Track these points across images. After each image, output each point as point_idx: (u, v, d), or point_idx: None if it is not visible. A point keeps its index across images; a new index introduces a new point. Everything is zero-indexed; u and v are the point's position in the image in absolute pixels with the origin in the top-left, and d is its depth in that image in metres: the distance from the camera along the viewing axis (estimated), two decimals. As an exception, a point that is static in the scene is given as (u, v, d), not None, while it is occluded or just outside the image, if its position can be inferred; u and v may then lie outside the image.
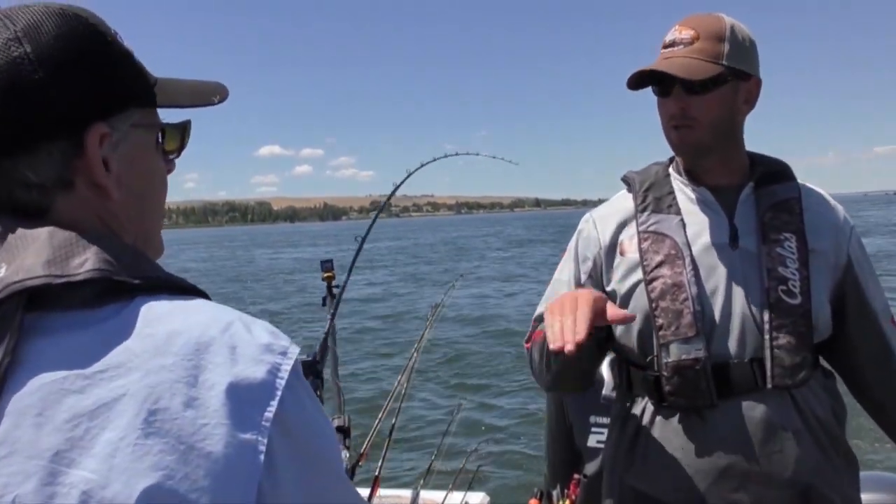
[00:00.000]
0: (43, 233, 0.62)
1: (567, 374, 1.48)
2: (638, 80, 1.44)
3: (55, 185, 0.66)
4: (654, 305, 1.41)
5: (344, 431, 2.22)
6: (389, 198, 2.99)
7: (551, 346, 1.22)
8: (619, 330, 1.48)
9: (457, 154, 3.05)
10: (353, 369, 9.51)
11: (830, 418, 1.42)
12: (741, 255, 1.42)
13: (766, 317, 1.38)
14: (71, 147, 0.66)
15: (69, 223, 0.65)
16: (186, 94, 0.78)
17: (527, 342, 1.58)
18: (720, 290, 1.41)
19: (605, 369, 2.39)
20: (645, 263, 1.44)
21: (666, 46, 1.43)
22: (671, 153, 1.52)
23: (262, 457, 0.58)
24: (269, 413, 0.60)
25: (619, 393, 1.57)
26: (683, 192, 1.50)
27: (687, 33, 1.40)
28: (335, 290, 2.72)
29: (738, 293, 1.40)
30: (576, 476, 2.50)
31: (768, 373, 1.37)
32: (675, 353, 1.39)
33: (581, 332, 1.20)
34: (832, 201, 1.52)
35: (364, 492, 2.56)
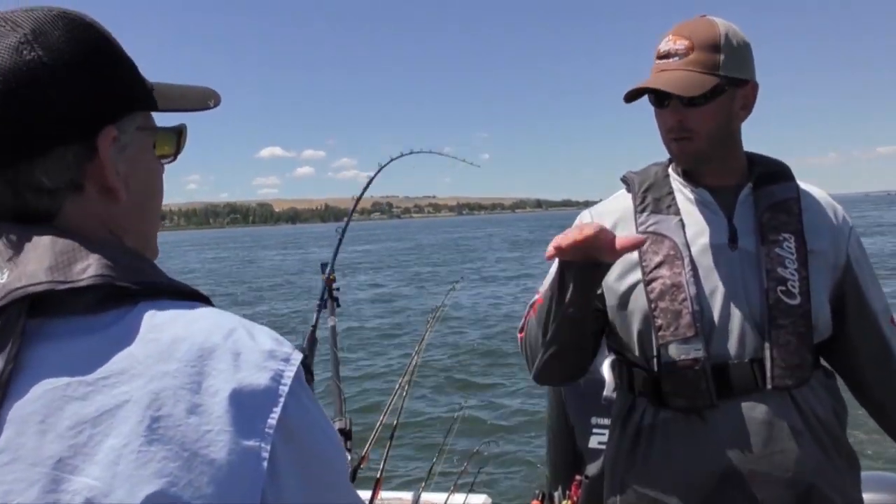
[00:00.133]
0: (45, 238, 0.62)
1: (562, 339, 1.41)
2: (634, 93, 1.43)
3: (67, 188, 0.66)
4: (653, 306, 1.41)
5: (345, 434, 2.23)
6: (358, 200, 3.01)
7: (548, 253, 1.24)
8: (618, 329, 1.48)
9: (420, 151, 3.07)
10: (355, 371, 9.51)
11: (831, 418, 1.43)
12: (740, 255, 1.42)
13: (766, 317, 1.38)
14: (83, 150, 0.66)
15: (74, 227, 0.66)
16: (184, 99, 0.78)
17: (520, 331, 1.58)
18: (719, 291, 1.41)
19: (605, 370, 2.39)
20: (644, 264, 1.44)
21: (660, 57, 1.42)
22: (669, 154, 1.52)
23: (265, 463, 0.58)
24: (273, 420, 0.60)
25: (619, 394, 1.57)
26: (682, 193, 1.50)
27: (681, 43, 1.39)
28: (336, 293, 2.73)
29: (738, 294, 1.40)
30: (577, 477, 2.50)
31: (768, 373, 1.37)
32: (675, 353, 1.39)
33: (585, 233, 1.21)
34: (831, 201, 1.53)
35: (365, 494, 2.56)
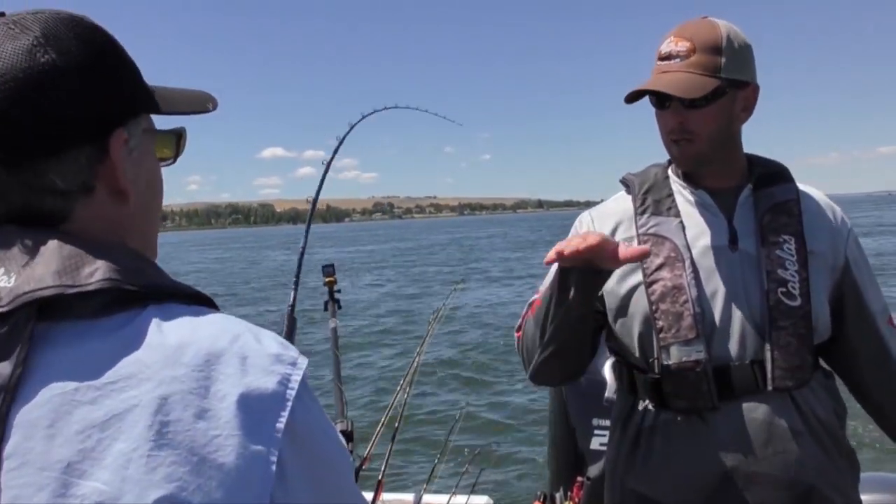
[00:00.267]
0: (52, 242, 0.62)
1: (560, 340, 1.40)
2: (635, 94, 1.43)
3: (79, 190, 0.67)
4: (654, 308, 1.41)
5: (347, 436, 2.22)
6: (328, 166, 2.88)
7: (548, 258, 1.24)
8: (619, 331, 1.48)
9: (395, 107, 2.96)
10: (357, 372, 9.51)
11: (832, 419, 1.43)
12: (741, 257, 1.43)
13: (767, 319, 1.39)
14: (95, 152, 0.67)
15: (82, 230, 0.66)
16: (185, 102, 0.79)
17: (518, 331, 1.58)
18: (720, 293, 1.41)
19: (607, 372, 2.39)
20: (645, 266, 1.44)
21: (662, 58, 1.42)
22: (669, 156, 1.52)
23: (273, 467, 0.59)
24: (281, 424, 0.60)
25: (619, 395, 1.57)
26: (682, 195, 1.50)
27: (683, 45, 1.39)
28: (337, 295, 2.73)
29: (739, 295, 1.40)
30: (579, 478, 2.50)
31: (769, 374, 1.37)
32: (676, 355, 1.39)
33: (588, 243, 1.20)
34: (830, 203, 1.53)
35: (367, 495, 2.55)
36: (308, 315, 15.16)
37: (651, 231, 1.46)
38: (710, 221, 1.46)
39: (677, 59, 1.39)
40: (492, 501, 3.41)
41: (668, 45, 1.42)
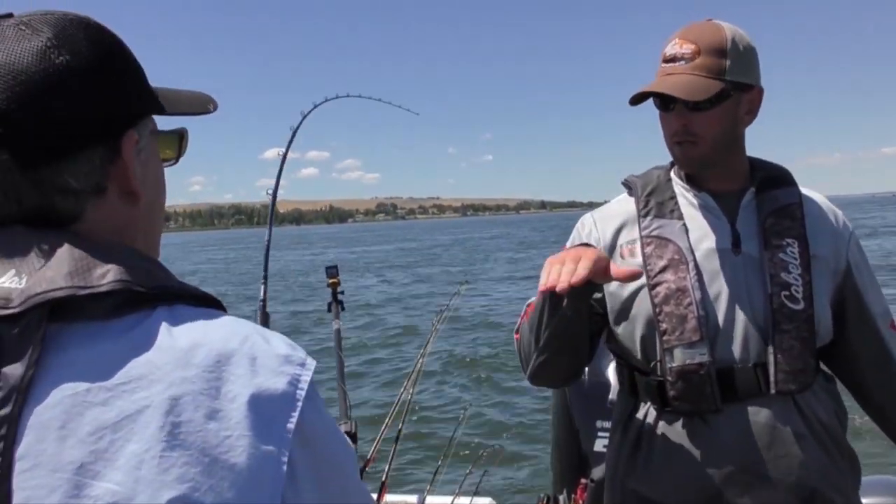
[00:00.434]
0: (63, 244, 0.63)
1: (555, 347, 1.40)
2: (639, 96, 1.43)
3: (92, 191, 0.67)
4: (657, 310, 1.41)
5: (350, 437, 2.23)
6: (284, 157, 2.85)
7: (542, 287, 1.23)
8: (621, 333, 1.48)
9: (346, 96, 2.93)
10: (360, 373, 9.51)
11: (834, 422, 1.43)
12: (743, 260, 1.43)
13: (770, 322, 1.39)
14: (107, 153, 0.67)
15: (93, 231, 0.66)
16: (187, 103, 0.80)
17: (516, 332, 1.57)
18: (723, 295, 1.41)
19: (611, 374, 2.38)
20: (648, 268, 1.44)
21: (666, 60, 1.42)
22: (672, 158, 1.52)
23: (284, 467, 0.59)
24: (291, 425, 0.61)
25: (620, 397, 1.57)
26: (685, 197, 1.50)
27: (688, 47, 1.39)
28: (340, 296, 2.73)
29: (742, 298, 1.40)
30: (582, 481, 2.49)
31: (772, 378, 1.37)
32: (680, 357, 1.39)
33: (579, 276, 1.20)
34: (832, 206, 1.53)
35: (370, 497, 2.55)
36: (311, 316, 15.23)
37: (654, 233, 1.46)
38: (713, 224, 1.46)
39: (682, 62, 1.39)
40: (495, 503, 3.40)
41: (672, 48, 1.42)
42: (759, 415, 1.37)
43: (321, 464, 0.64)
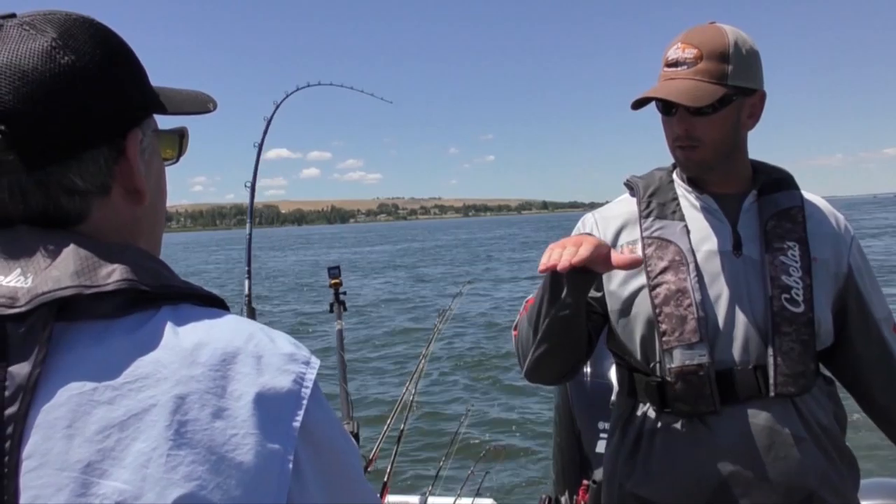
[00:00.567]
0: (68, 244, 0.63)
1: (552, 339, 1.40)
2: (642, 100, 1.43)
3: (97, 190, 0.67)
4: (657, 311, 1.41)
5: (352, 437, 2.23)
6: (260, 149, 2.83)
7: (542, 267, 1.24)
8: (621, 334, 1.48)
9: (318, 84, 2.92)
10: (362, 374, 9.52)
11: (833, 425, 1.43)
12: (744, 262, 1.43)
13: (770, 324, 1.39)
14: (112, 153, 0.68)
15: (96, 231, 0.67)
16: (188, 102, 0.80)
17: (514, 329, 1.57)
18: (724, 297, 1.41)
19: (613, 375, 2.38)
20: (649, 269, 1.44)
21: (669, 65, 1.42)
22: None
23: (290, 465, 0.60)
24: (297, 423, 0.61)
25: (619, 398, 1.57)
26: (687, 199, 1.50)
27: (690, 52, 1.39)
28: (342, 297, 2.73)
29: (742, 300, 1.41)
30: (584, 482, 2.49)
31: (771, 380, 1.37)
32: (679, 358, 1.39)
33: (580, 257, 1.21)
34: (833, 210, 1.53)
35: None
36: (312, 316, 15.23)
37: (655, 234, 1.46)
38: (714, 226, 1.46)
39: (684, 66, 1.39)
40: (496, 504, 3.40)
41: (675, 52, 1.41)
42: (758, 417, 1.37)
43: (326, 461, 0.64)
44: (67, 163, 0.65)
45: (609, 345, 1.57)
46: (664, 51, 1.45)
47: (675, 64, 1.41)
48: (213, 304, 0.68)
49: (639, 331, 1.44)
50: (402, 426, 2.90)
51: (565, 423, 2.61)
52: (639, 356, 1.46)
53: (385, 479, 2.72)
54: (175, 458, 0.56)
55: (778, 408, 1.38)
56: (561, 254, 1.24)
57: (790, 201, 1.47)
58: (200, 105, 0.81)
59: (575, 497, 2.51)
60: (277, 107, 2.82)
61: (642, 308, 1.44)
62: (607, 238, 1.52)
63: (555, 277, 1.33)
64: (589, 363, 2.57)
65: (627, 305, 1.46)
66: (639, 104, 1.44)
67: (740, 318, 1.40)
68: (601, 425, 2.48)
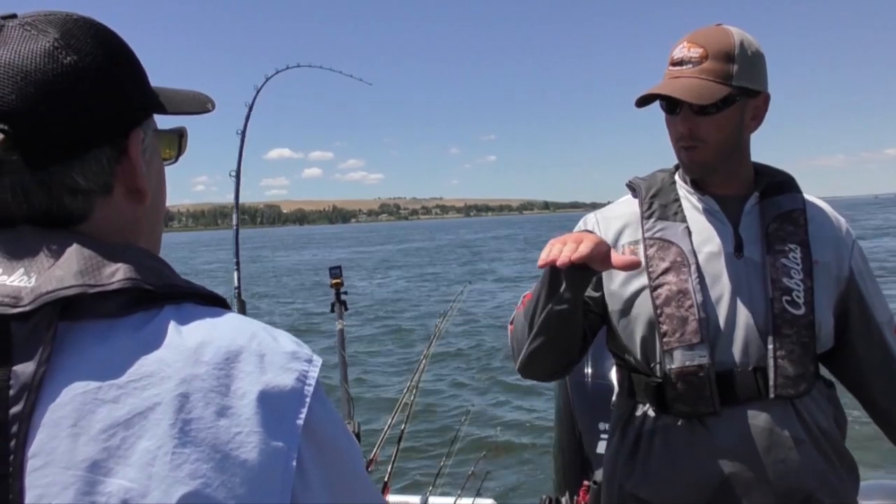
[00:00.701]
0: (71, 243, 0.63)
1: (548, 334, 1.39)
2: (646, 98, 1.43)
3: (100, 190, 0.68)
4: (658, 312, 1.41)
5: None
6: (243, 136, 2.83)
7: (542, 261, 1.24)
8: (622, 334, 1.48)
9: (297, 66, 2.91)
10: (363, 374, 9.52)
11: (833, 428, 1.43)
12: (746, 264, 1.43)
13: (770, 326, 1.39)
14: (114, 152, 0.68)
15: (98, 230, 0.67)
16: (187, 103, 0.81)
17: (511, 323, 1.57)
18: (725, 299, 1.41)
19: (614, 376, 2.38)
20: (650, 270, 1.44)
21: (674, 64, 1.42)
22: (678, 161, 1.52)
23: (294, 463, 0.60)
24: (300, 421, 0.62)
25: (619, 399, 1.57)
26: (689, 201, 1.50)
27: (695, 51, 1.39)
28: (343, 297, 2.73)
29: (743, 302, 1.41)
30: (585, 483, 2.49)
31: (771, 382, 1.38)
32: (679, 359, 1.39)
33: (580, 254, 1.21)
34: (835, 213, 1.53)
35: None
36: (313, 316, 15.24)
37: (657, 235, 1.46)
38: (716, 228, 1.46)
39: (689, 65, 1.39)
40: (497, 504, 3.40)
41: (680, 51, 1.42)
42: (757, 419, 1.37)
43: (329, 460, 0.64)
44: (70, 162, 0.65)
45: (609, 345, 1.57)
46: (670, 51, 1.45)
47: (680, 63, 1.41)
48: (214, 304, 0.69)
49: (639, 331, 1.44)
50: (403, 426, 2.90)
51: (566, 423, 2.61)
52: (639, 357, 1.46)
53: (385, 479, 2.72)
54: (180, 456, 0.56)
55: (777, 410, 1.38)
56: (561, 249, 1.24)
57: (792, 204, 1.47)
58: (199, 105, 0.82)
59: (575, 498, 2.51)
60: (258, 91, 2.82)
61: (643, 309, 1.44)
62: (608, 238, 1.52)
63: (554, 272, 1.33)
64: (590, 364, 2.58)
65: (628, 306, 1.46)
66: (643, 101, 1.44)
67: (741, 320, 1.40)
68: (602, 426, 2.48)
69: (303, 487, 0.61)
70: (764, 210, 1.47)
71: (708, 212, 1.48)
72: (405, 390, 3.02)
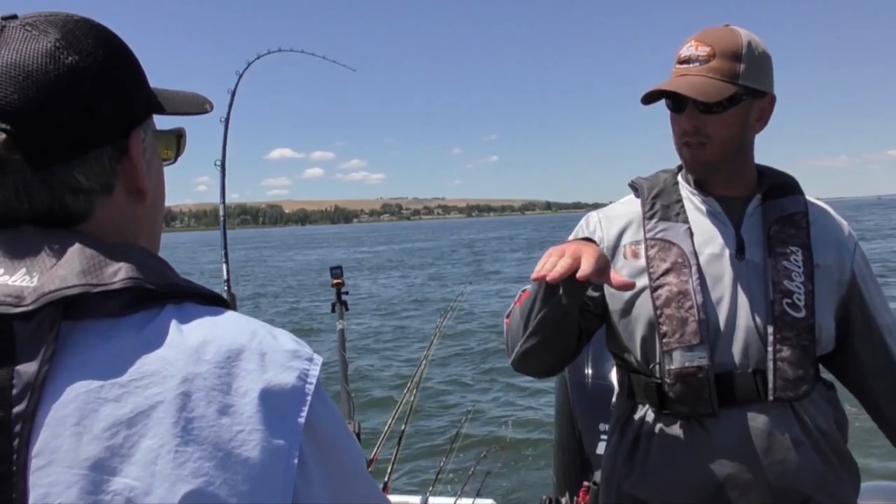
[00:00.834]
0: (73, 243, 0.63)
1: (542, 334, 1.39)
2: (652, 95, 1.43)
3: (101, 189, 0.68)
4: (658, 312, 1.41)
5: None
6: (227, 123, 2.79)
7: (535, 275, 1.23)
8: (622, 334, 1.48)
9: (278, 50, 2.90)
10: (364, 374, 9.52)
11: (833, 429, 1.43)
12: (747, 266, 1.43)
13: (771, 329, 1.39)
14: (115, 152, 0.69)
15: (99, 230, 0.67)
16: (186, 103, 0.81)
17: (507, 317, 1.57)
18: (725, 300, 1.41)
19: (614, 377, 2.38)
20: (651, 270, 1.44)
21: (681, 62, 1.42)
22: (680, 160, 1.52)
23: (295, 461, 0.60)
24: (301, 419, 0.62)
25: (619, 400, 1.57)
26: (691, 201, 1.50)
27: (703, 49, 1.39)
28: (344, 297, 2.73)
29: (743, 304, 1.41)
30: (585, 483, 2.49)
31: (770, 385, 1.37)
32: (679, 360, 1.39)
33: (584, 272, 1.19)
34: (837, 216, 1.53)
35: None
36: (314, 317, 15.24)
37: (659, 236, 1.46)
38: (717, 229, 1.46)
39: (696, 63, 1.39)
40: (497, 505, 3.40)
41: (687, 49, 1.42)
42: (756, 421, 1.37)
43: (331, 458, 0.65)
44: (72, 162, 0.66)
45: (609, 345, 1.57)
46: (677, 49, 1.45)
47: (687, 61, 1.41)
48: (214, 303, 0.69)
49: (639, 332, 1.44)
50: (403, 426, 2.90)
51: (566, 424, 2.61)
52: (639, 357, 1.46)
53: (386, 479, 2.72)
54: (183, 454, 0.56)
55: (776, 412, 1.38)
56: (556, 263, 1.22)
57: (794, 206, 1.47)
58: (198, 106, 0.83)
59: (575, 498, 2.51)
60: (240, 76, 2.80)
61: (643, 309, 1.44)
62: (610, 237, 1.52)
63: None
64: (590, 364, 2.58)
65: (629, 306, 1.46)
66: (648, 98, 1.44)
67: (741, 322, 1.40)
68: (602, 427, 2.48)
69: (305, 485, 0.61)
70: (766, 212, 1.46)
71: (710, 213, 1.48)
72: (405, 390, 3.02)
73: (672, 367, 1.39)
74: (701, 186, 1.50)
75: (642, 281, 1.45)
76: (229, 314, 0.67)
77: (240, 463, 0.58)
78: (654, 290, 1.42)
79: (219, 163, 2.73)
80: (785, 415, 1.38)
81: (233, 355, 0.62)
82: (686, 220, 1.47)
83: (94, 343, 0.60)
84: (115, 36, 0.72)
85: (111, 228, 0.69)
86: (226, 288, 2.50)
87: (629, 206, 1.56)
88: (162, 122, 0.80)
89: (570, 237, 1.57)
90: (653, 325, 1.42)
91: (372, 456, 2.69)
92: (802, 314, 1.39)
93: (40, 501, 0.54)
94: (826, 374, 1.51)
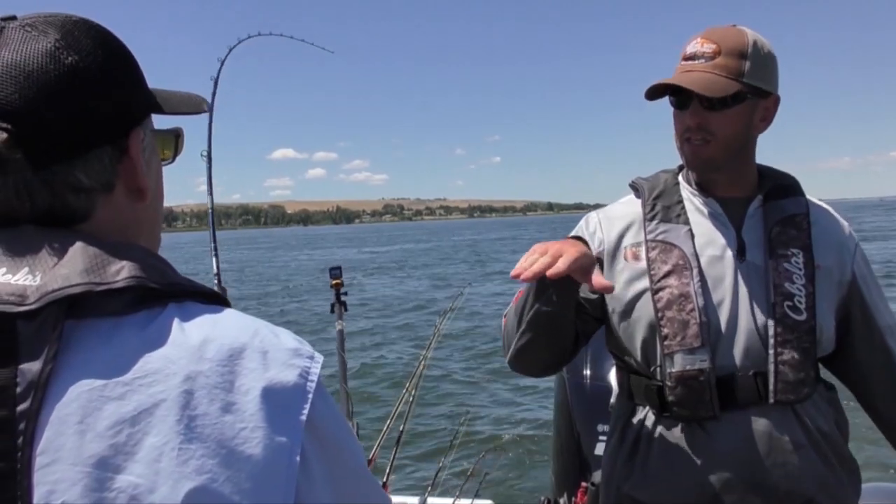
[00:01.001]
0: (75, 242, 0.64)
1: (535, 332, 1.39)
2: (655, 90, 1.43)
3: (102, 188, 0.68)
4: (659, 315, 1.41)
5: (353, 436, 2.23)
6: (211, 114, 2.76)
7: (512, 273, 1.23)
8: (622, 336, 1.48)
9: (258, 34, 2.88)
10: (362, 374, 9.52)
11: (834, 431, 1.43)
12: (748, 268, 1.42)
13: (771, 331, 1.38)
14: (116, 151, 0.69)
15: (100, 229, 0.68)
16: (182, 103, 0.82)
17: (504, 316, 1.57)
18: (726, 303, 1.40)
19: (613, 377, 2.38)
20: (652, 272, 1.44)
21: (686, 58, 1.42)
22: (681, 160, 1.51)
23: (297, 458, 0.61)
24: (303, 417, 0.62)
25: (619, 401, 1.56)
26: (692, 202, 1.50)
27: (709, 47, 1.39)
28: (343, 297, 2.74)
29: (744, 306, 1.40)
30: (583, 484, 2.49)
31: (771, 387, 1.37)
32: (680, 363, 1.39)
33: (556, 271, 1.19)
34: (838, 217, 1.53)
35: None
36: (314, 316, 15.23)
37: (660, 238, 1.46)
38: (718, 231, 1.46)
39: (702, 60, 1.39)
40: (495, 505, 3.40)
41: (693, 46, 1.42)
42: (757, 423, 1.37)
43: (332, 456, 0.65)
44: (72, 161, 0.66)
45: (609, 346, 1.57)
46: (682, 47, 1.45)
47: (692, 57, 1.41)
48: (215, 301, 0.69)
49: (640, 334, 1.44)
50: (402, 426, 2.90)
51: (565, 425, 2.61)
52: (639, 359, 1.45)
53: (384, 479, 2.72)
54: (186, 451, 0.57)
55: (777, 414, 1.37)
56: (535, 261, 1.23)
57: (795, 208, 1.47)
58: (195, 106, 0.83)
59: (574, 499, 2.51)
60: (222, 63, 2.78)
61: (644, 311, 1.43)
62: (611, 239, 1.51)
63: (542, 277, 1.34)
64: (589, 365, 2.58)
65: (629, 308, 1.46)
66: (652, 93, 1.43)
67: (742, 324, 1.39)
68: (600, 427, 2.48)
69: (307, 483, 0.61)
70: (767, 213, 1.46)
71: (711, 214, 1.47)
72: (405, 390, 3.03)
73: (673, 369, 1.39)
74: (702, 187, 1.50)
75: (643, 283, 1.44)
76: (231, 313, 0.68)
77: (243, 460, 0.58)
78: (655, 292, 1.42)
79: (205, 153, 2.72)
80: (786, 417, 1.38)
81: (235, 353, 0.62)
82: (687, 222, 1.46)
83: (97, 342, 0.60)
84: (114, 36, 0.72)
85: (112, 228, 0.69)
86: (216, 281, 2.50)
87: (629, 207, 1.55)
88: (159, 122, 0.81)
89: (571, 235, 1.58)
90: (654, 328, 1.42)
91: (371, 456, 2.69)
92: (803, 316, 1.38)
93: (44, 499, 0.55)
94: (826, 375, 1.51)
